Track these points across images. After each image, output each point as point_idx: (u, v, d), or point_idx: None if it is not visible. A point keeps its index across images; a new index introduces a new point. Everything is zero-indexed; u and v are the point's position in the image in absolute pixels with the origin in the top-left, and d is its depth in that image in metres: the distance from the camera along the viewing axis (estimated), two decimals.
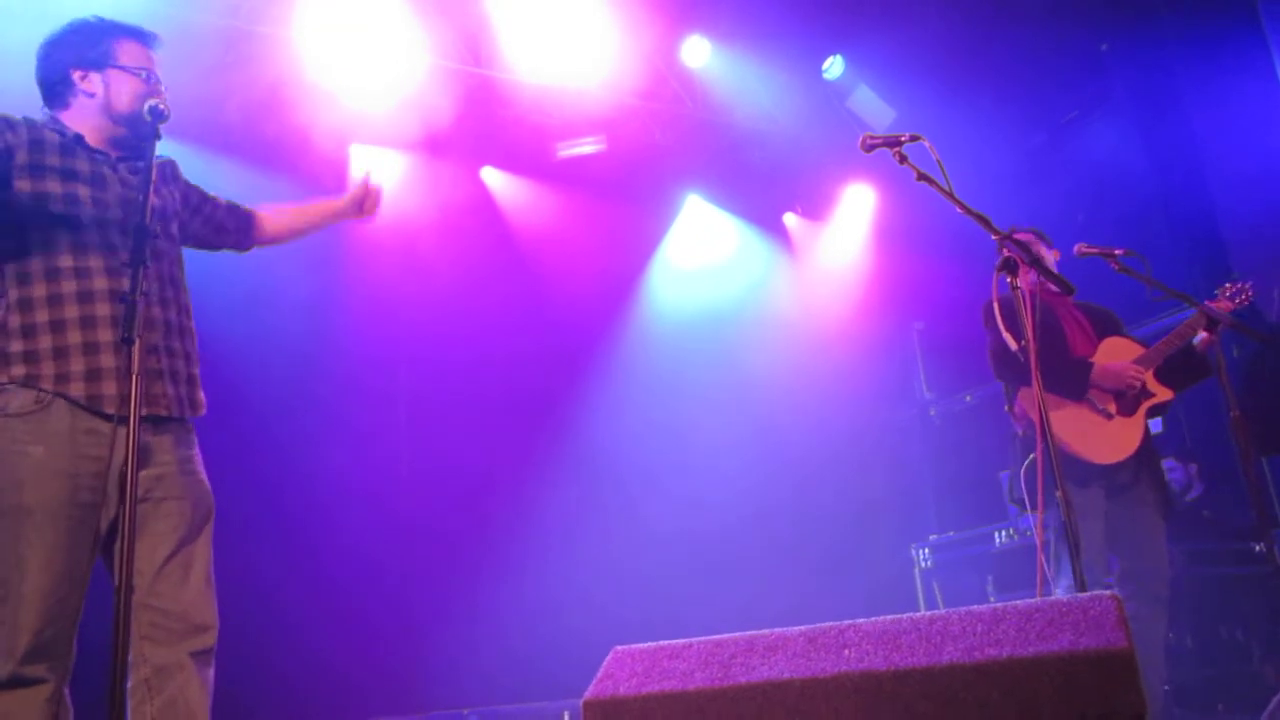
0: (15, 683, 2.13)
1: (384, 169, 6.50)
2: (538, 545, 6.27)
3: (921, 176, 2.81)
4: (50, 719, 2.15)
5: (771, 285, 7.74)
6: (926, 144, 2.82)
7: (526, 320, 6.79)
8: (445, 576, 6.08)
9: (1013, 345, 3.14)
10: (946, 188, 2.78)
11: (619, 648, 1.98)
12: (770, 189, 7.53)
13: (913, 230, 7.17)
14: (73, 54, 2.47)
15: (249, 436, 5.39)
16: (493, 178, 6.99)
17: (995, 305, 3.10)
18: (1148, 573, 3.62)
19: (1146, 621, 3.60)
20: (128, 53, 2.52)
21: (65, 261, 2.31)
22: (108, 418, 2.27)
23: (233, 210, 2.86)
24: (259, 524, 5.28)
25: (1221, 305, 3.76)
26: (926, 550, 6.04)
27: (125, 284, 2.18)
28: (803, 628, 1.85)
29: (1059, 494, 2.67)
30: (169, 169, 2.70)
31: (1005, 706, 1.59)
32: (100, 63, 2.47)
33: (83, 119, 2.47)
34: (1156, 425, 6.41)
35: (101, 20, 2.53)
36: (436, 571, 6.06)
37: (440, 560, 6.09)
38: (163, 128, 2.31)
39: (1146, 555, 3.63)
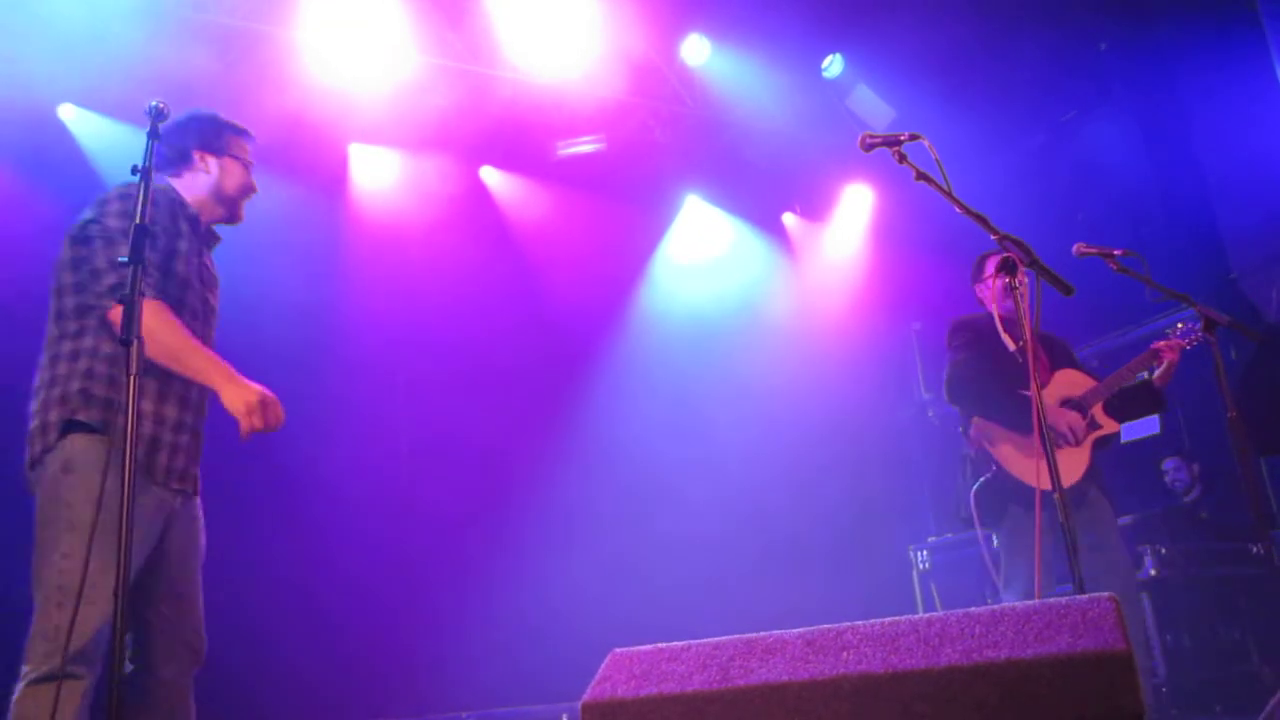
0: (64, 676, 2.31)
1: (384, 168, 6.51)
2: (536, 547, 6.26)
3: (920, 176, 2.80)
4: (86, 710, 2.36)
5: (770, 285, 7.74)
6: (926, 143, 2.81)
7: (526, 320, 6.78)
8: (443, 579, 6.07)
9: (1011, 346, 3.15)
10: (945, 187, 2.77)
11: (617, 650, 1.98)
12: (769, 188, 7.53)
13: (911, 230, 7.16)
14: (197, 139, 2.90)
15: (250, 438, 5.37)
16: (492, 177, 6.99)
17: (994, 307, 3.09)
18: (1111, 581, 3.67)
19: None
20: (239, 146, 2.95)
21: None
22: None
23: None
24: (257, 526, 5.27)
25: (1172, 344, 3.88)
26: (925, 552, 6.04)
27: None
28: (801, 630, 1.85)
29: (1057, 496, 2.66)
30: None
31: (1003, 708, 1.59)
32: (219, 150, 2.91)
33: (190, 189, 2.88)
34: (1154, 426, 6.43)
35: (222, 118, 2.98)
36: (435, 574, 6.06)
37: (438, 563, 6.08)
38: (162, 127, 2.40)
39: (1105, 563, 3.74)
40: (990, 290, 4.00)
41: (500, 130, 6.61)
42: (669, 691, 1.81)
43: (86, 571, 2.27)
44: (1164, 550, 4.90)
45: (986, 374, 3.81)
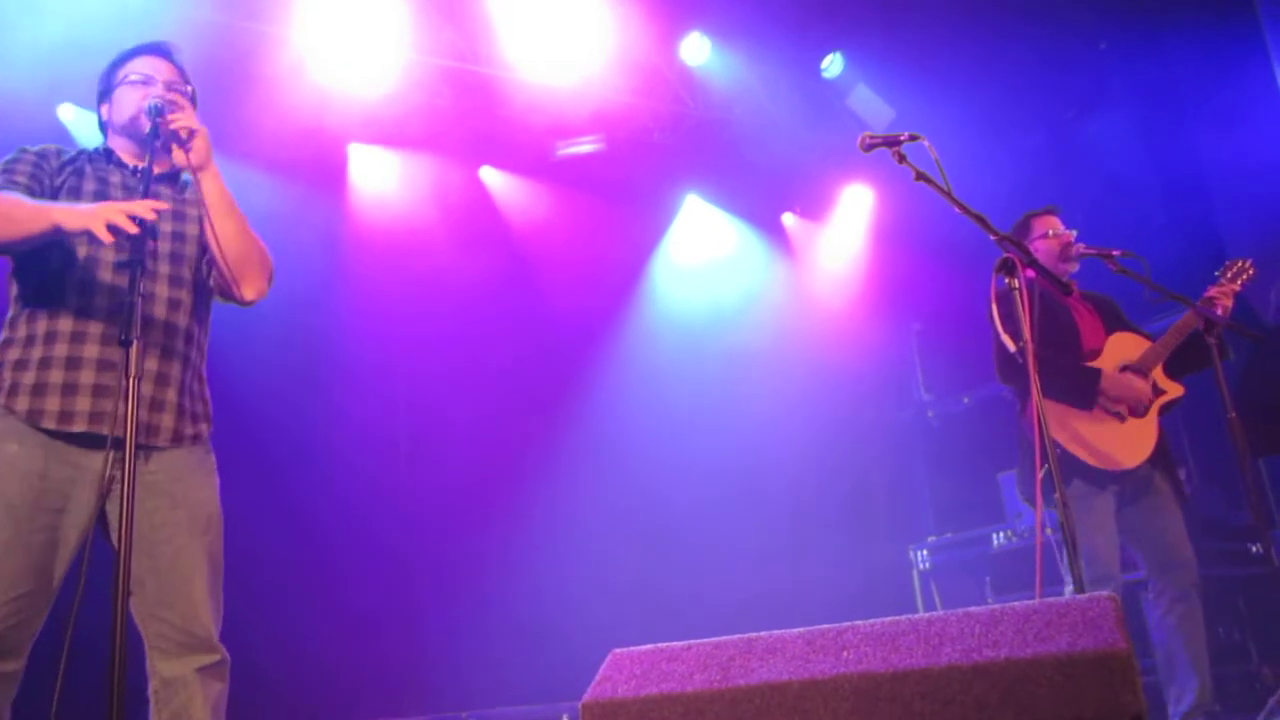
0: None
1: (383, 168, 6.51)
2: (536, 547, 6.26)
3: (920, 176, 2.81)
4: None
5: (769, 286, 7.73)
6: (925, 143, 2.81)
7: (524, 320, 6.78)
8: (443, 578, 6.07)
9: (1011, 346, 3.11)
10: (945, 188, 2.78)
11: (617, 650, 1.98)
12: (769, 188, 7.52)
13: (911, 231, 7.16)
14: (98, 93, 2.63)
15: (249, 438, 5.36)
16: (491, 177, 6.99)
17: (994, 305, 3.08)
18: (1176, 567, 3.58)
19: (1187, 614, 3.55)
20: (134, 69, 2.57)
21: (71, 301, 2.32)
22: (78, 443, 2.26)
23: None
24: (256, 525, 5.26)
25: (1226, 289, 3.66)
26: (924, 552, 6.04)
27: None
28: (801, 629, 1.85)
29: (1057, 496, 2.65)
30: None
31: (1003, 708, 1.59)
32: (110, 90, 2.59)
33: (113, 146, 2.59)
34: None
35: (121, 52, 2.62)
36: (435, 573, 6.05)
37: (438, 562, 6.08)
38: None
39: (1171, 550, 3.58)
40: (1044, 247, 3.80)
41: (500, 130, 6.60)
42: (669, 691, 1.81)
43: None
44: None
45: (1044, 348, 3.44)
